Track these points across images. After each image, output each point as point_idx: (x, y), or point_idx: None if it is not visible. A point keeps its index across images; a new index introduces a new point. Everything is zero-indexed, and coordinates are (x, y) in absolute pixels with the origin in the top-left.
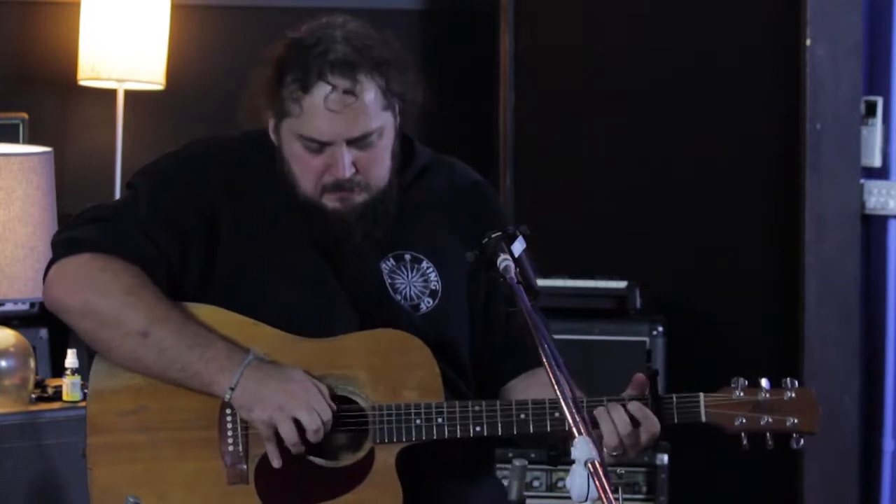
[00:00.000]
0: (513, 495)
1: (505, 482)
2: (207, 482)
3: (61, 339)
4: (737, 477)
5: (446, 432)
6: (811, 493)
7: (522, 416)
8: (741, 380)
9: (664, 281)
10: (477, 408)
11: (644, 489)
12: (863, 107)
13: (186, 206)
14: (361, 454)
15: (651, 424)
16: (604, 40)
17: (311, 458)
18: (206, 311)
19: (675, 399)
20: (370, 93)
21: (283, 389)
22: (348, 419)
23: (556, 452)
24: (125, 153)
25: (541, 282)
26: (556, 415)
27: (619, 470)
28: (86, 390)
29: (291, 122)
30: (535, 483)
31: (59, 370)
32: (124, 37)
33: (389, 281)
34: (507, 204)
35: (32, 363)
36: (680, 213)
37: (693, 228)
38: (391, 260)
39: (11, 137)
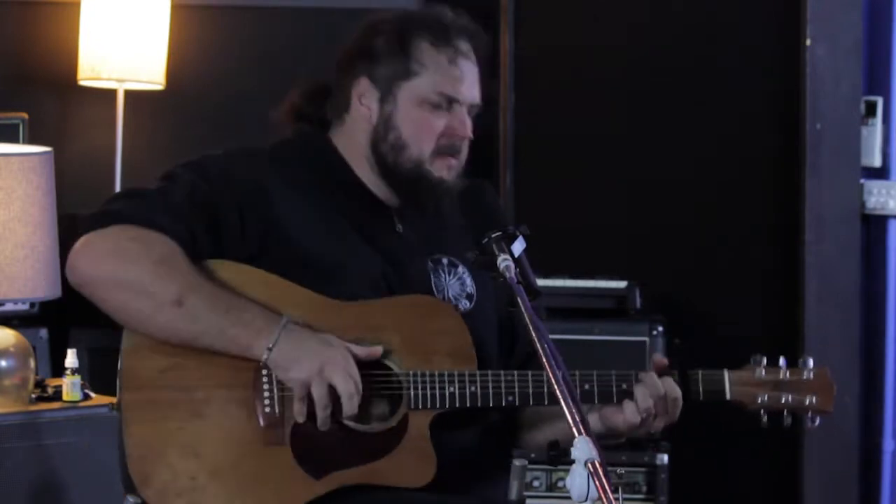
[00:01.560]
0: (513, 495)
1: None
2: (242, 441)
3: (61, 339)
4: (737, 477)
5: (479, 401)
6: (811, 493)
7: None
8: (762, 357)
9: (664, 281)
10: (510, 378)
11: (644, 489)
12: (863, 107)
13: (226, 203)
14: (395, 419)
15: (675, 396)
16: (604, 40)
17: (346, 421)
18: (240, 270)
19: (700, 374)
20: (476, 61)
21: (321, 352)
22: (382, 384)
23: (556, 452)
24: (125, 153)
25: (541, 282)
26: (587, 387)
27: (619, 470)
28: (86, 390)
29: (417, 82)
30: (535, 483)
31: (59, 370)
32: (124, 37)
33: (435, 280)
34: (507, 204)
35: (32, 363)
36: (680, 213)
37: (693, 228)
38: (430, 262)
39: (11, 137)
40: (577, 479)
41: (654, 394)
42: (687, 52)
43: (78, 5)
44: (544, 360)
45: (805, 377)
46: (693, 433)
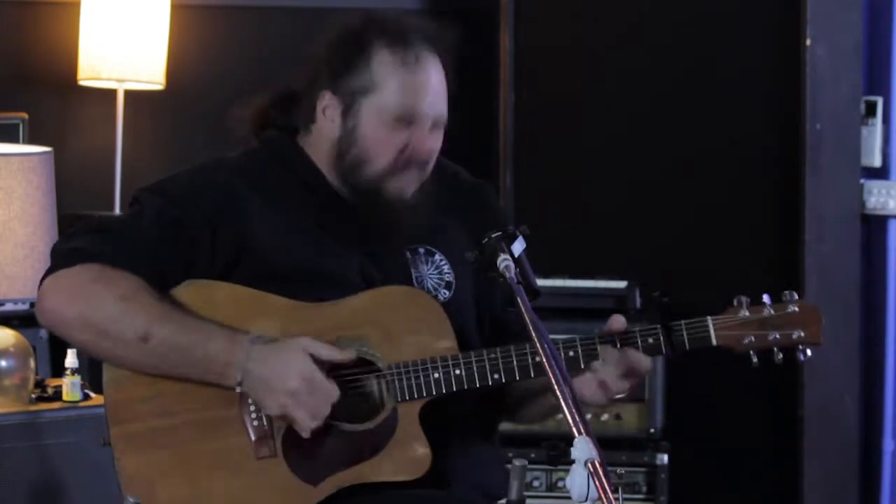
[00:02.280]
0: (513, 495)
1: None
2: (236, 459)
3: (61, 339)
4: (737, 477)
5: (465, 383)
6: (811, 493)
7: (538, 358)
8: (743, 298)
9: (664, 281)
10: (493, 356)
11: (644, 489)
12: (863, 107)
13: (194, 221)
14: (385, 414)
15: (641, 364)
16: (604, 40)
17: (336, 423)
18: (213, 288)
19: (684, 325)
20: (441, 69)
21: (286, 385)
22: (367, 381)
23: (557, 452)
24: (125, 153)
25: (541, 282)
26: (571, 354)
27: (619, 470)
28: (86, 390)
29: (377, 98)
30: (535, 483)
31: (59, 370)
32: (124, 37)
33: (414, 271)
34: (507, 204)
35: (32, 363)
36: (680, 213)
37: (693, 228)
38: (408, 253)
39: (11, 137)
40: (577, 479)
41: (616, 372)
42: (687, 52)
43: (78, 5)
44: (544, 359)
45: (790, 311)
46: (693, 433)
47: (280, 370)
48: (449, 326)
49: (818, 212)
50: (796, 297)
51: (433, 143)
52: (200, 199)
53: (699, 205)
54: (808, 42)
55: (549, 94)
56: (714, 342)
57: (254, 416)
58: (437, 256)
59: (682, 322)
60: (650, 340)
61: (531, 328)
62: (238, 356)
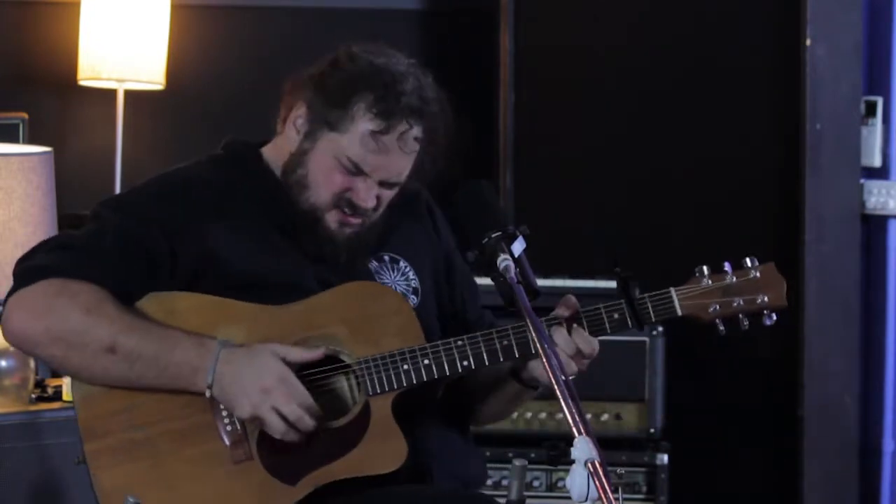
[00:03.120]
0: (513, 495)
1: (505, 482)
2: (212, 465)
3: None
4: (737, 477)
5: (435, 372)
6: (811, 493)
7: (505, 342)
8: (704, 268)
9: (664, 281)
10: (460, 342)
11: (644, 489)
12: (863, 107)
13: (154, 236)
14: (357, 409)
15: (592, 349)
16: (604, 40)
17: None
18: (176, 298)
19: (647, 299)
20: (420, 139)
21: (256, 384)
22: (336, 378)
23: (557, 452)
24: (125, 153)
25: (541, 282)
26: (505, 342)
27: (619, 470)
28: None
29: (339, 138)
30: (535, 483)
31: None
32: (124, 37)
33: (379, 279)
34: (507, 204)
35: (32, 363)
36: (680, 213)
37: (693, 228)
38: (374, 261)
39: (11, 137)
40: (577, 479)
41: (566, 352)
42: (687, 52)
43: (78, 5)
44: (544, 359)
45: (752, 276)
46: (693, 433)
47: (252, 370)
48: (414, 318)
49: (818, 212)
50: (757, 262)
51: (378, 196)
52: (159, 212)
53: (699, 205)
54: (808, 42)
55: (549, 94)
56: (679, 312)
57: (227, 421)
58: (402, 263)
59: (646, 295)
60: (615, 316)
61: (531, 328)
62: (207, 360)
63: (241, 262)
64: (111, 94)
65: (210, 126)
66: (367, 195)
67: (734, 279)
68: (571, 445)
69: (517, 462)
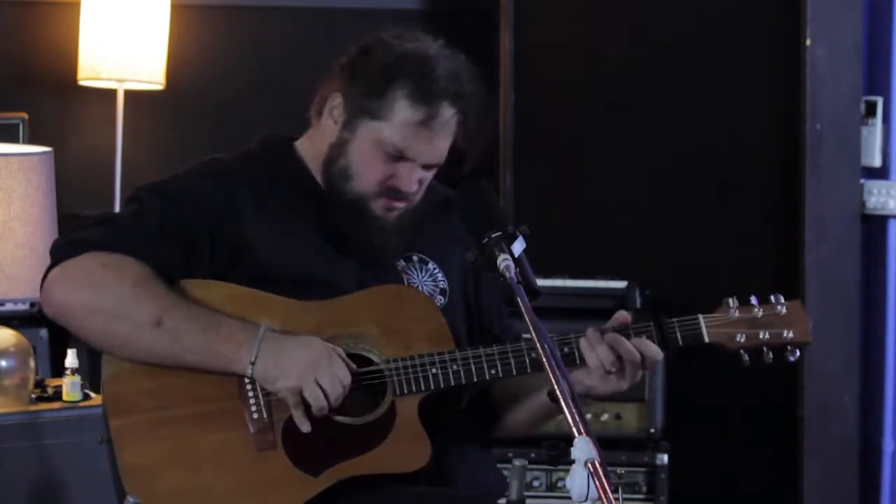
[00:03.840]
0: (513, 495)
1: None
2: (236, 451)
3: (61, 339)
4: (737, 477)
5: (463, 378)
6: (811, 493)
7: (533, 354)
8: (730, 300)
9: (664, 281)
10: (489, 351)
11: (644, 489)
12: (863, 107)
13: (194, 223)
14: (383, 408)
15: (652, 353)
16: (604, 40)
17: (335, 417)
18: (212, 287)
19: (676, 324)
20: (458, 120)
21: (303, 356)
22: (365, 376)
23: (557, 452)
24: (125, 153)
25: (541, 282)
26: (566, 350)
27: (619, 470)
28: (86, 390)
29: (380, 126)
30: (535, 483)
31: (59, 370)
32: (124, 37)
33: (408, 280)
34: (507, 204)
35: (32, 363)
36: (680, 213)
37: (693, 228)
38: (402, 261)
39: (11, 137)
40: (577, 479)
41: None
42: (687, 52)
43: (78, 5)
44: (544, 360)
45: (779, 311)
46: (693, 433)
47: (299, 347)
48: (445, 324)
49: (818, 212)
50: (782, 298)
51: (420, 180)
52: (200, 200)
53: (699, 204)
54: (808, 42)
55: (549, 94)
56: (706, 339)
57: (253, 408)
58: (431, 265)
59: (675, 320)
60: (643, 338)
61: (531, 328)
62: (253, 337)
63: (274, 256)
64: (111, 94)
65: (210, 126)
66: (411, 179)
67: (761, 312)
68: (571, 445)
69: (517, 462)
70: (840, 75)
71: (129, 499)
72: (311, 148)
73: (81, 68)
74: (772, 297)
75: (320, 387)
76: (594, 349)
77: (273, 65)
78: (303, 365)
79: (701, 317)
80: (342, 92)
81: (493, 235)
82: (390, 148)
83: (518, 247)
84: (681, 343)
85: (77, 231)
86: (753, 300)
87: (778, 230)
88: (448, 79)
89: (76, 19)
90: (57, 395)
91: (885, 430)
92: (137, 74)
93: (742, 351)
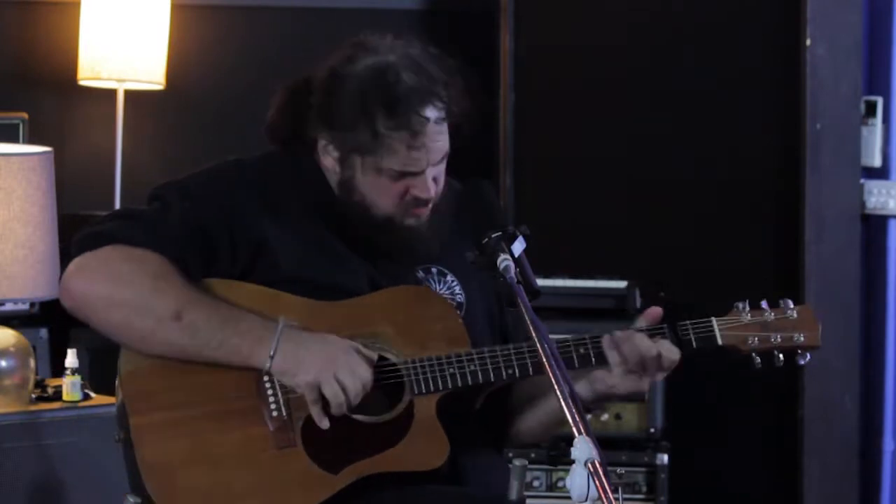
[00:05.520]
0: (513, 495)
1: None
2: (255, 449)
3: (61, 339)
4: (737, 477)
5: (480, 377)
6: (811, 493)
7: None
8: (741, 303)
9: (664, 281)
10: (506, 352)
11: (644, 489)
12: (863, 107)
13: (215, 223)
14: (401, 407)
15: (670, 353)
16: (604, 40)
17: (354, 415)
18: (229, 286)
19: (690, 326)
20: (443, 113)
21: (322, 352)
22: (383, 375)
23: (557, 452)
24: (125, 153)
25: (541, 282)
26: (582, 351)
27: (619, 470)
28: (86, 390)
29: (374, 158)
30: (535, 483)
31: (59, 370)
32: (124, 37)
33: None
34: (507, 204)
35: (32, 363)
36: (680, 213)
37: (693, 228)
38: (420, 272)
39: (11, 137)
40: (577, 479)
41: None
42: (687, 52)
43: (78, 5)
44: (545, 359)
45: (789, 316)
46: (693, 433)
47: (318, 343)
48: (462, 325)
49: (818, 212)
50: (791, 303)
51: (435, 178)
52: (221, 202)
53: (699, 205)
54: (808, 42)
55: (549, 94)
56: (720, 342)
57: (272, 406)
58: (450, 277)
59: (689, 322)
60: (657, 339)
61: (531, 328)
62: (272, 332)
63: (293, 259)
64: (111, 94)
65: (210, 126)
66: (426, 185)
67: (772, 316)
68: (571, 445)
69: (517, 462)
70: (840, 75)
71: (130, 499)
72: (326, 166)
73: (81, 68)
74: (781, 302)
75: (339, 383)
76: (616, 346)
77: (273, 65)
78: (322, 360)
79: (714, 319)
80: (325, 133)
81: (493, 235)
82: (393, 173)
83: (518, 247)
84: (695, 346)
85: (99, 224)
86: (763, 304)
87: (778, 230)
88: (416, 82)
89: (76, 19)
90: (57, 395)
91: (885, 430)
92: (137, 74)
93: (754, 354)
